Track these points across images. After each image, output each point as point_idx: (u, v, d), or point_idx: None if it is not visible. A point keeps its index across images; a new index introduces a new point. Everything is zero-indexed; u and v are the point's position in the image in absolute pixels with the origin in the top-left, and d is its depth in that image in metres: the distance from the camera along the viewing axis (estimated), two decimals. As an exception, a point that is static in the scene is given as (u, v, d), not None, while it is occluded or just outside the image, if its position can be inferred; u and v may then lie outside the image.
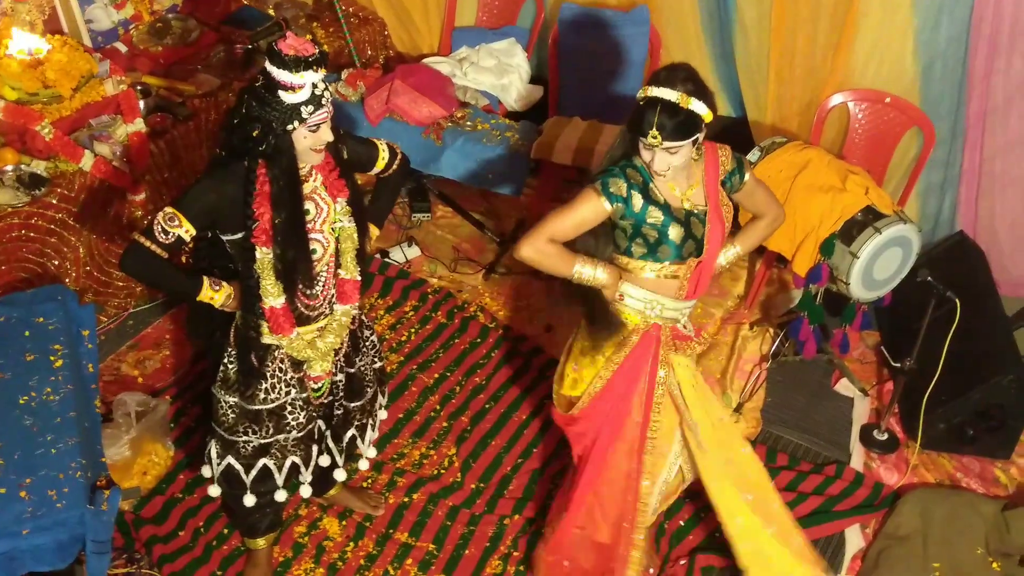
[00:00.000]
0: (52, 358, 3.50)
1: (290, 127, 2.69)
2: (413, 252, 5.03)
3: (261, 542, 3.54)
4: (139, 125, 4.33)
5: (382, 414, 3.53)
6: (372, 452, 3.55)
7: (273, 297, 2.90)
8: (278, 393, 3.09)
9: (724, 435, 3.23)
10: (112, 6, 4.89)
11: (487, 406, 4.27)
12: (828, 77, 4.61)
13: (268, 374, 3.07)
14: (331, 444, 3.39)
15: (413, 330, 4.59)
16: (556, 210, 2.94)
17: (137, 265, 2.82)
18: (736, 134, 5.12)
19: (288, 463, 3.22)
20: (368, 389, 3.38)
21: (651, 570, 3.64)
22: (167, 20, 5.01)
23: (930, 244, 4.63)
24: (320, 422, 3.34)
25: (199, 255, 3.02)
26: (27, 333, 3.56)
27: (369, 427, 3.46)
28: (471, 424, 4.20)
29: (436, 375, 4.39)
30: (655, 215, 2.89)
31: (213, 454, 3.25)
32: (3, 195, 4.00)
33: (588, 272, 2.96)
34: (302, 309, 2.99)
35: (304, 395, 3.15)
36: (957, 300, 3.74)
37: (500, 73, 5.29)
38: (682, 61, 2.86)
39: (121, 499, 3.46)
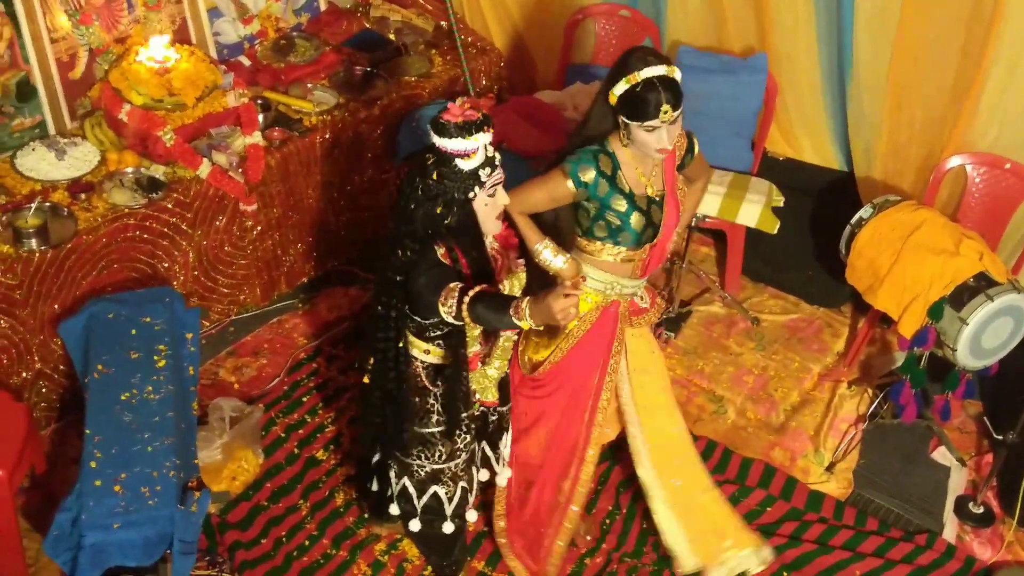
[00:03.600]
0: (156, 358, 3.59)
1: (471, 194, 2.76)
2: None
3: None
4: (257, 138, 4.42)
5: None
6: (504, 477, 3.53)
7: (475, 345, 3.01)
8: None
9: (660, 417, 3.46)
10: (240, 21, 5.01)
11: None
12: (946, 138, 4.52)
13: (440, 394, 3.11)
14: (489, 453, 3.38)
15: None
16: (529, 181, 3.13)
17: (476, 312, 2.73)
18: (845, 188, 5.07)
19: (459, 490, 3.24)
20: (509, 391, 3.38)
21: (588, 536, 3.83)
22: (291, 38, 5.12)
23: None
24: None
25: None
26: (134, 331, 3.66)
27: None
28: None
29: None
30: (619, 203, 3.05)
31: (392, 475, 3.27)
32: (121, 196, 4.11)
33: (548, 256, 3.14)
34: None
35: (468, 414, 3.16)
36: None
37: (612, 111, 5.29)
38: (640, 47, 3.08)
39: (210, 502, 3.53)
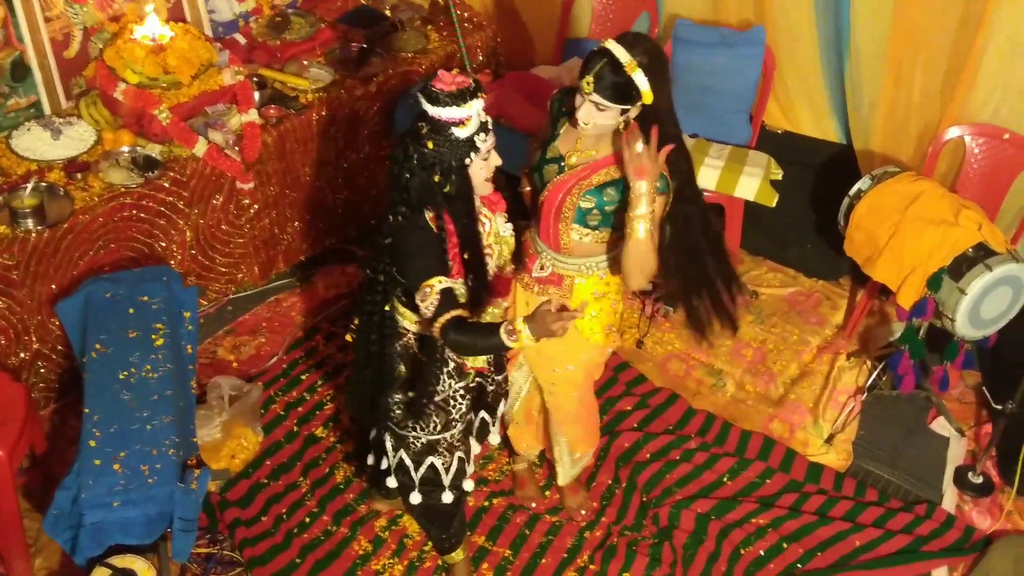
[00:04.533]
0: (154, 336, 3.59)
1: (467, 161, 2.75)
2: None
3: (459, 554, 3.53)
4: (253, 116, 4.41)
5: None
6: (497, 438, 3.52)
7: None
8: (443, 385, 3.09)
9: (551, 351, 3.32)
10: (235, -2, 5.00)
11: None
12: (944, 110, 4.50)
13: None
14: (487, 419, 3.36)
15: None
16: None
17: (453, 339, 2.77)
18: (844, 161, 5.06)
19: (455, 460, 3.22)
20: (504, 359, 3.40)
21: (584, 511, 3.86)
22: (286, 15, 5.09)
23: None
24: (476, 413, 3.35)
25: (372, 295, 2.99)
26: (131, 311, 3.66)
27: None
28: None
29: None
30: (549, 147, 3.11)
31: (388, 447, 3.25)
32: (118, 175, 4.11)
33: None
34: None
35: (463, 384, 3.14)
36: (1067, 345, 3.63)
37: (609, 86, 5.27)
38: (643, 34, 3.01)
39: (210, 480, 3.54)
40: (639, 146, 2.83)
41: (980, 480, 4.02)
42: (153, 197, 4.14)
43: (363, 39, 5.03)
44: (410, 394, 3.09)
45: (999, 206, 4.45)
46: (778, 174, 4.71)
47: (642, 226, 2.89)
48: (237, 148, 4.34)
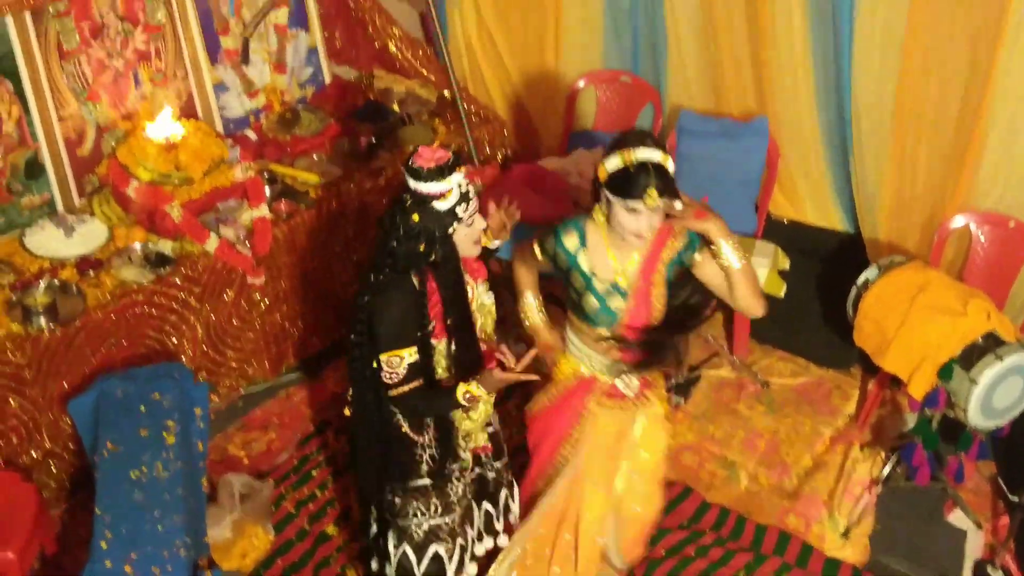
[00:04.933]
0: (165, 434, 3.59)
1: (451, 230, 2.84)
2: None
3: None
4: (264, 211, 4.45)
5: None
6: (505, 539, 3.51)
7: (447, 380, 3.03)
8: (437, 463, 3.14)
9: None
10: (245, 95, 5.07)
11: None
12: (949, 197, 4.54)
13: (424, 444, 3.12)
14: (491, 510, 3.40)
15: (513, 430, 4.56)
16: (529, 239, 3.17)
17: (410, 404, 2.96)
18: (851, 249, 5.09)
19: (458, 548, 3.24)
20: (504, 445, 3.45)
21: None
22: (296, 111, 5.17)
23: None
24: (473, 503, 3.34)
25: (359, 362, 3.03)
26: (143, 408, 3.66)
27: (515, 484, 3.52)
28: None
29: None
30: (577, 280, 3.04)
31: (391, 547, 3.26)
32: (130, 272, 4.13)
33: (530, 310, 3.30)
34: None
35: (458, 465, 3.18)
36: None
37: (615, 176, 5.32)
38: (638, 129, 3.05)
39: (221, 580, 3.50)
40: (678, 204, 2.85)
41: (1000, 574, 3.96)
42: (165, 293, 4.16)
43: (371, 133, 5.09)
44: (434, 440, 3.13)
45: (1007, 294, 4.46)
46: (786, 264, 4.74)
47: (735, 256, 2.93)
48: (248, 243, 4.37)
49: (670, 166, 2.85)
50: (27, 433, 3.91)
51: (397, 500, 3.15)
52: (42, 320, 3.87)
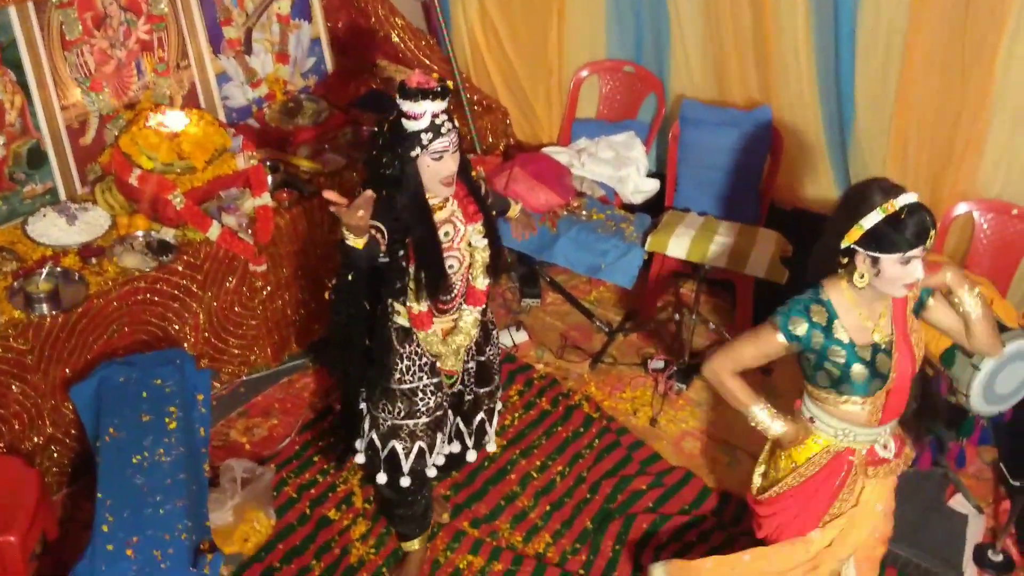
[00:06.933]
0: (167, 420, 3.60)
1: (412, 153, 2.95)
2: (521, 337, 5.05)
3: (416, 544, 3.73)
4: (266, 199, 4.45)
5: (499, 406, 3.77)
6: (494, 447, 3.80)
7: (417, 304, 3.21)
8: (412, 376, 3.33)
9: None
10: (248, 85, 5.08)
11: (588, 496, 4.22)
12: (952, 185, 4.54)
13: (405, 356, 3.32)
14: (462, 428, 3.59)
15: (517, 415, 4.58)
16: (742, 336, 2.99)
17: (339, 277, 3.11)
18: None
19: (416, 448, 3.40)
20: (496, 376, 3.62)
21: None
22: (299, 100, 5.18)
23: (1055, 360, 4.47)
24: (450, 412, 3.54)
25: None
26: (144, 394, 3.67)
27: (496, 412, 3.69)
28: (572, 515, 4.14)
29: (538, 462, 4.36)
30: (838, 354, 2.84)
31: (365, 425, 3.49)
32: (132, 260, 4.14)
33: (764, 420, 3.01)
34: (436, 310, 3.29)
35: (436, 381, 3.37)
36: (1083, 420, 3.60)
37: (618, 165, 5.33)
38: (879, 178, 2.81)
39: (222, 565, 3.51)
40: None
41: (1000, 558, 3.96)
42: (167, 281, 4.17)
43: (374, 123, 5.08)
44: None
45: (1010, 281, 4.46)
46: (788, 251, 4.73)
47: (975, 304, 2.86)
48: (250, 231, 4.38)
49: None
50: (29, 419, 3.92)
51: (376, 391, 3.39)
52: (44, 307, 3.88)
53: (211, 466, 3.88)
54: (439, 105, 2.96)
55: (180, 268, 4.20)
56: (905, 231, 2.66)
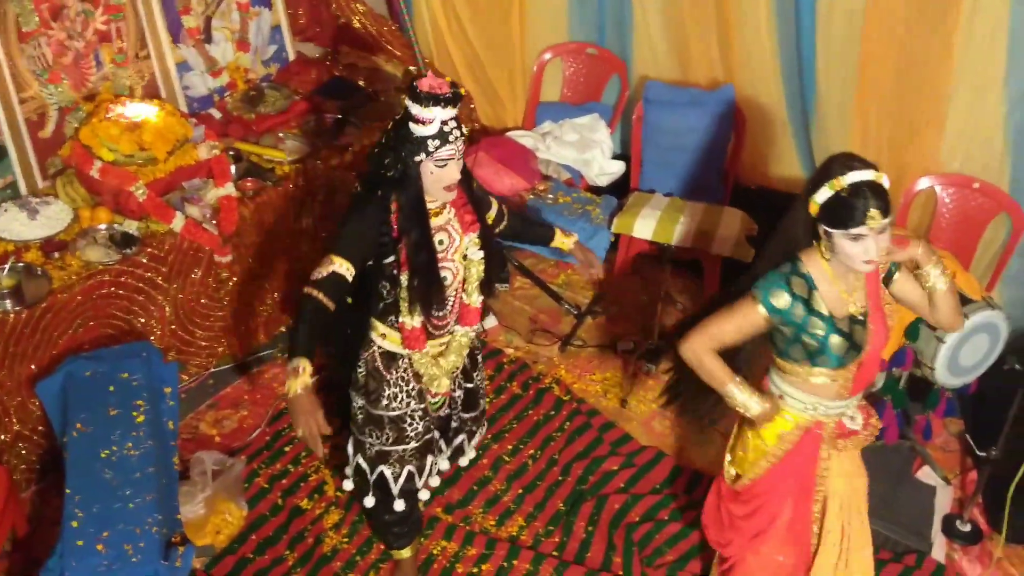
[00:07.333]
0: (135, 413, 3.58)
1: (417, 158, 2.89)
2: (490, 322, 5.05)
3: (406, 552, 3.67)
4: (229, 189, 4.42)
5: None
6: (472, 453, 3.73)
7: (410, 318, 3.11)
8: (400, 403, 3.26)
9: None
10: (208, 74, 5.04)
11: (560, 479, 4.24)
12: (914, 160, 4.57)
13: (391, 382, 3.25)
14: (442, 446, 3.55)
15: (488, 400, 4.58)
16: (718, 313, 2.95)
17: (300, 308, 2.98)
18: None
19: (405, 472, 3.35)
20: (481, 401, 3.59)
21: None
22: (261, 89, 5.15)
23: (1018, 331, 4.51)
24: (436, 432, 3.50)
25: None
26: (111, 388, 3.64)
27: (478, 433, 3.66)
28: (544, 497, 4.16)
29: (509, 446, 4.37)
30: (817, 326, 2.84)
31: (350, 449, 3.44)
32: (95, 253, 4.11)
33: (740, 398, 2.98)
34: (430, 328, 3.20)
35: (423, 407, 3.31)
36: (1046, 389, 3.65)
37: (583, 148, 5.34)
38: (847, 153, 2.82)
39: (194, 557, 3.50)
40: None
41: (968, 528, 4.01)
42: (131, 274, 4.14)
43: (337, 110, 5.07)
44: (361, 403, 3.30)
45: (972, 254, 4.50)
46: (753, 229, 4.76)
47: (942, 279, 2.86)
48: (214, 222, 4.35)
49: (885, 183, 2.70)
50: (-5, 416, 3.89)
51: (360, 417, 3.32)
52: (7, 303, 3.84)
53: (181, 459, 3.86)
54: (449, 112, 2.88)
55: (144, 260, 4.17)
56: (850, 208, 2.67)
